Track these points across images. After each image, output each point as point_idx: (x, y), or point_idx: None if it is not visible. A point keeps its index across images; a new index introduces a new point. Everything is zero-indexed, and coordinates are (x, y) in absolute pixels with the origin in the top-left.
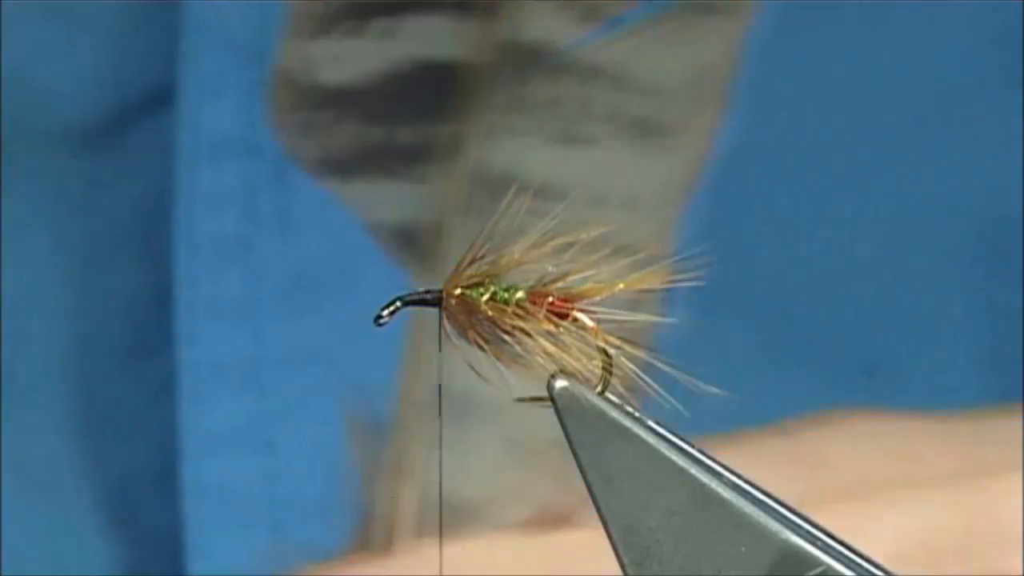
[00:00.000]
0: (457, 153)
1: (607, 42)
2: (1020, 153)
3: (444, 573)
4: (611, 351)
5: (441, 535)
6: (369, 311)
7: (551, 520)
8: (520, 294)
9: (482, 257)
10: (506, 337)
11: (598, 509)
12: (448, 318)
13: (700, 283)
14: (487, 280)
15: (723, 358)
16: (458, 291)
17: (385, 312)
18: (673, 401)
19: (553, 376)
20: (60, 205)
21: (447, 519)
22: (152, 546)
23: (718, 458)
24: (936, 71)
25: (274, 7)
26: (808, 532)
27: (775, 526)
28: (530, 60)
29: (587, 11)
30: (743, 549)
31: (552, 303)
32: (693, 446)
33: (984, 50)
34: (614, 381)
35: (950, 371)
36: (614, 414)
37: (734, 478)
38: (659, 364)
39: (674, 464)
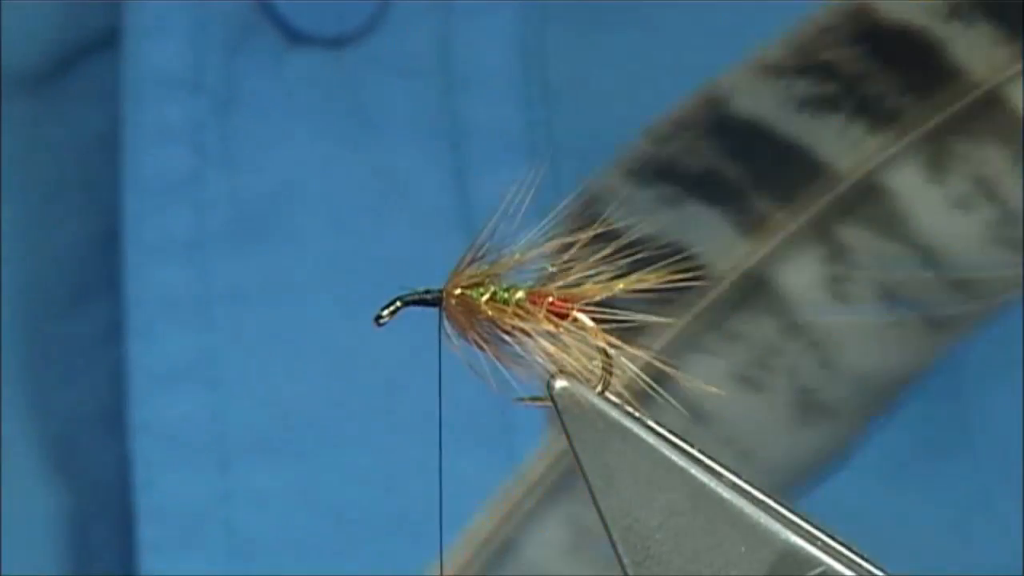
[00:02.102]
0: None
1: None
2: None
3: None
4: (611, 351)
5: (441, 536)
6: (313, 247)
7: None
8: (520, 294)
9: (482, 257)
10: (506, 337)
11: (598, 509)
12: (448, 318)
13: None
14: (487, 280)
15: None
16: (458, 291)
17: (385, 312)
18: (673, 401)
19: (553, 376)
20: (4, 149)
21: None
22: (99, 486)
23: (718, 458)
24: None
25: None
26: (808, 532)
27: (775, 526)
28: None
29: None
30: (743, 549)
31: (552, 303)
32: (693, 446)
33: None
34: (614, 381)
35: None
36: (614, 414)
37: (734, 478)
38: (659, 364)
39: (674, 464)
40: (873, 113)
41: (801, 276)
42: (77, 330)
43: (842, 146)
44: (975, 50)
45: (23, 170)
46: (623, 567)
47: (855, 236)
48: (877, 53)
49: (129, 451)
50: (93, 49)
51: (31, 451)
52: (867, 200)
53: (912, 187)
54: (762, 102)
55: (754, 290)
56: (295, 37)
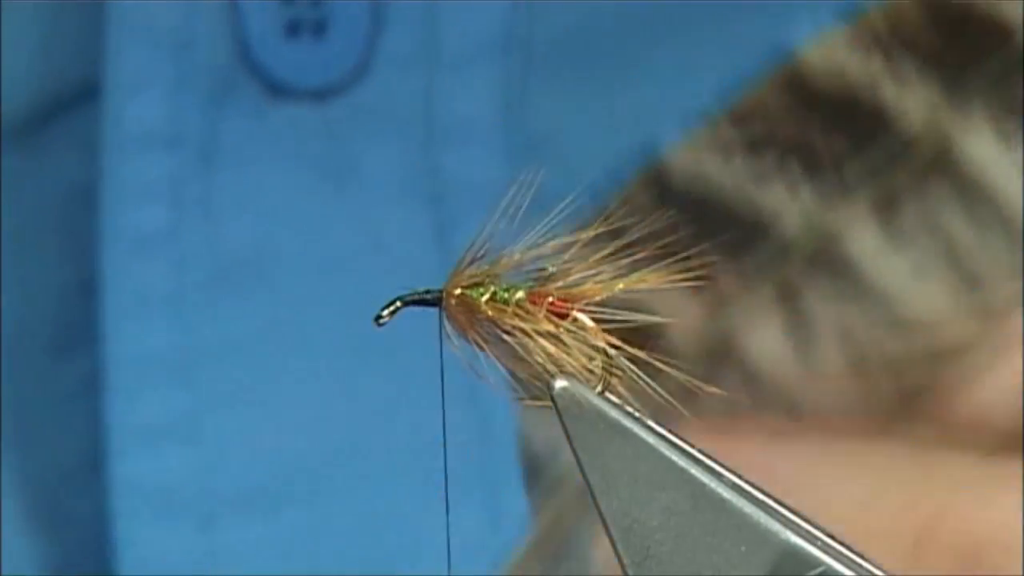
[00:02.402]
0: None
1: None
2: None
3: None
4: (611, 351)
5: (448, 535)
6: (294, 301)
7: None
8: (520, 294)
9: (482, 257)
10: (506, 337)
11: (598, 509)
12: (448, 318)
13: (701, 282)
14: (487, 280)
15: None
16: (458, 291)
17: (385, 312)
18: (673, 401)
19: (553, 376)
20: None
21: None
22: (79, 542)
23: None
24: None
25: (197, 2)
26: (808, 532)
27: (775, 526)
28: None
29: None
30: (743, 549)
31: (552, 303)
32: (693, 446)
33: None
34: (614, 381)
35: None
36: (614, 414)
37: (734, 478)
38: (659, 364)
39: (674, 464)
40: (821, 180)
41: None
42: (59, 380)
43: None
44: (917, 108)
45: (3, 219)
46: (623, 567)
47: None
48: (817, 118)
49: (109, 507)
50: (74, 100)
51: (11, 503)
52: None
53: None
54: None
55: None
56: (277, 90)
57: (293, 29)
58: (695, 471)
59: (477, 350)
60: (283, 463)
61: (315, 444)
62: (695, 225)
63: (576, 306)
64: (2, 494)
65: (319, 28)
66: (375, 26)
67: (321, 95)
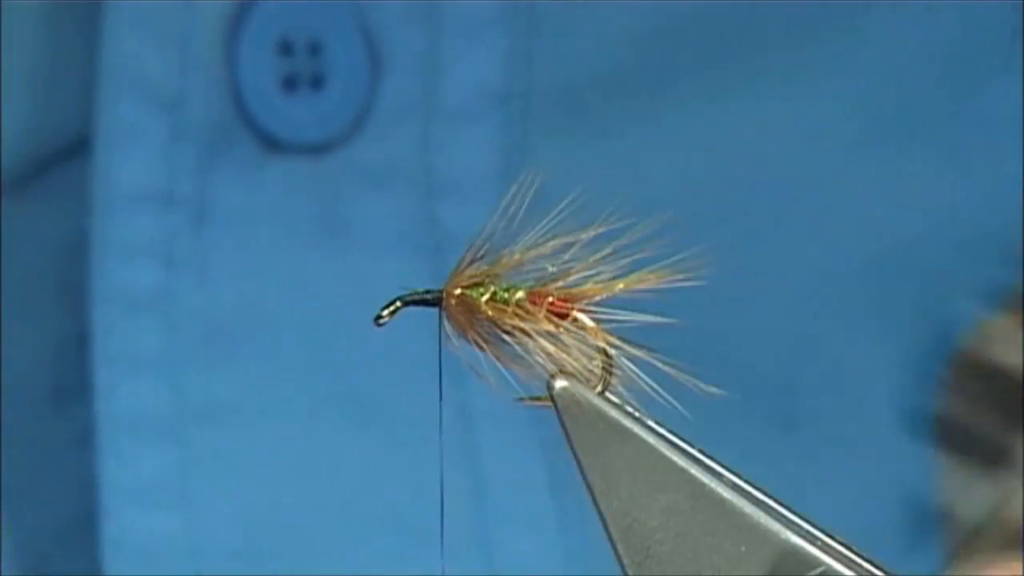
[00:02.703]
0: None
1: None
2: (942, 202)
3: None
4: (611, 351)
5: (443, 534)
6: (286, 360)
7: None
8: (520, 294)
9: (482, 257)
10: (506, 337)
11: (598, 509)
12: (448, 318)
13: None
14: (487, 280)
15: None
16: (458, 291)
17: (385, 312)
18: (673, 401)
19: (553, 376)
20: None
21: None
22: None
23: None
24: (857, 121)
25: (192, 54)
26: (808, 532)
27: (775, 526)
28: None
29: None
30: (743, 549)
31: (552, 303)
32: (693, 446)
33: (907, 98)
34: (614, 381)
35: (872, 424)
36: (614, 414)
37: (734, 478)
38: (659, 364)
39: (674, 464)
40: None
41: None
42: (51, 434)
43: None
44: None
45: (1, 270)
46: (623, 567)
47: None
48: None
49: (100, 566)
50: (69, 153)
51: (6, 556)
52: None
53: None
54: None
55: None
56: (273, 145)
57: (290, 83)
58: (695, 471)
59: (477, 350)
60: (272, 523)
61: (305, 504)
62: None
63: (576, 306)
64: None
65: (317, 82)
66: (374, 78)
67: (318, 150)
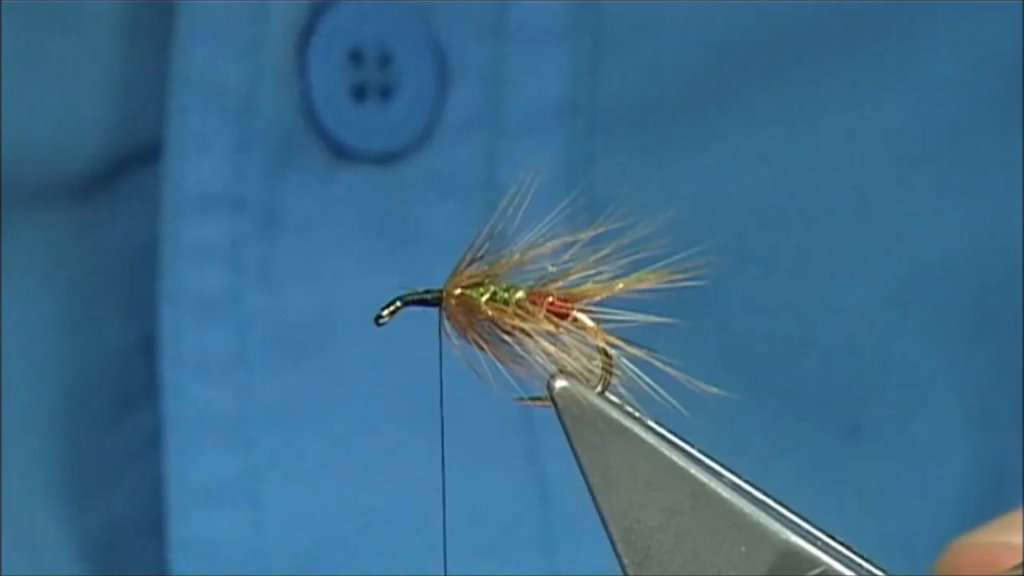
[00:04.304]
0: None
1: None
2: (1007, 217)
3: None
4: (611, 351)
5: (444, 534)
6: (352, 366)
7: None
8: (520, 294)
9: (482, 257)
10: (506, 337)
11: (598, 509)
12: (448, 318)
13: (700, 282)
14: (487, 280)
15: (705, 412)
16: (458, 291)
17: (385, 312)
18: (673, 401)
19: (553, 376)
20: (48, 256)
21: None
22: None
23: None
24: (922, 133)
25: (264, 62)
26: (808, 532)
27: (775, 526)
28: None
29: None
30: (743, 549)
31: (552, 303)
32: (693, 446)
33: (971, 113)
34: (614, 381)
35: (934, 434)
36: (614, 414)
37: (734, 478)
38: (659, 364)
39: (674, 464)
40: None
41: None
42: (120, 436)
43: None
44: None
45: (68, 275)
46: (623, 567)
47: None
48: None
49: (168, 568)
50: (143, 159)
51: (69, 557)
52: None
53: None
54: None
55: None
56: (341, 153)
57: (359, 93)
58: (695, 471)
59: (477, 350)
60: (337, 526)
61: (370, 504)
62: None
63: (576, 306)
64: (61, 550)
65: (386, 92)
66: (441, 90)
67: (385, 160)
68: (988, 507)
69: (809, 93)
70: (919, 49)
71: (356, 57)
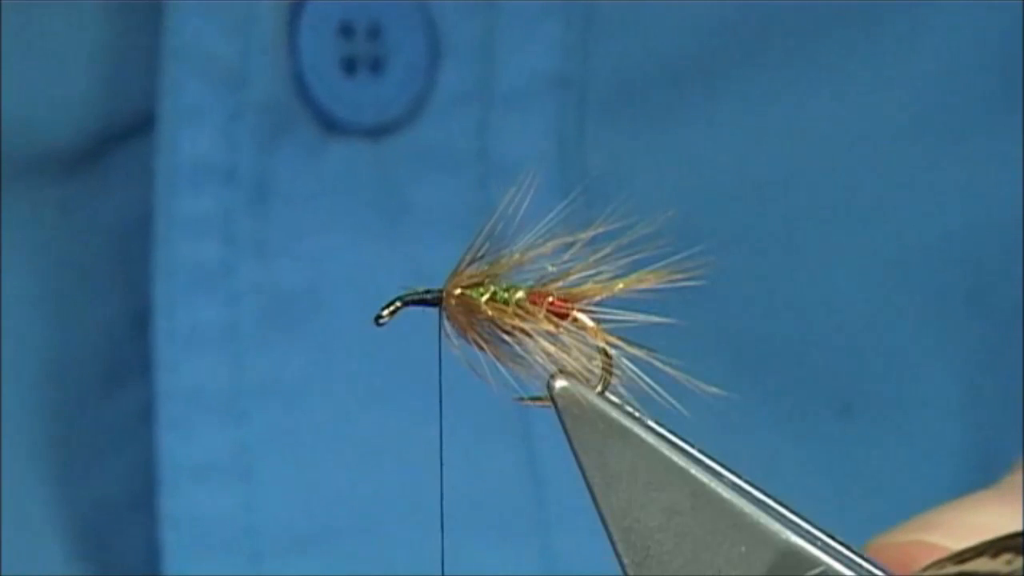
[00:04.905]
0: None
1: None
2: (999, 195)
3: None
4: (611, 351)
5: (443, 534)
6: (345, 340)
7: None
8: (520, 294)
9: (482, 257)
10: (506, 337)
11: (598, 509)
12: (448, 318)
13: (701, 282)
14: (487, 280)
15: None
16: (458, 291)
17: (385, 312)
18: (673, 401)
19: (553, 376)
20: (39, 230)
21: None
22: (126, 573)
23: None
24: (914, 110)
25: (255, 35)
26: (808, 532)
27: (775, 526)
28: None
29: None
30: (743, 549)
31: (552, 303)
32: (693, 446)
33: (963, 90)
34: (614, 381)
35: (927, 412)
36: (614, 414)
37: (734, 478)
38: (659, 364)
39: (674, 464)
40: None
41: None
42: (109, 412)
43: None
44: None
45: (56, 250)
46: (623, 567)
47: None
48: None
49: (159, 543)
50: (132, 132)
51: (58, 535)
52: None
53: None
54: None
55: None
56: (332, 127)
57: (350, 66)
58: (695, 471)
59: (477, 350)
60: (331, 501)
61: (363, 483)
62: None
63: (576, 306)
64: (50, 527)
65: (376, 65)
66: (432, 63)
67: (376, 133)
68: (980, 484)
69: (801, 70)
70: (911, 26)
71: (346, 30)
